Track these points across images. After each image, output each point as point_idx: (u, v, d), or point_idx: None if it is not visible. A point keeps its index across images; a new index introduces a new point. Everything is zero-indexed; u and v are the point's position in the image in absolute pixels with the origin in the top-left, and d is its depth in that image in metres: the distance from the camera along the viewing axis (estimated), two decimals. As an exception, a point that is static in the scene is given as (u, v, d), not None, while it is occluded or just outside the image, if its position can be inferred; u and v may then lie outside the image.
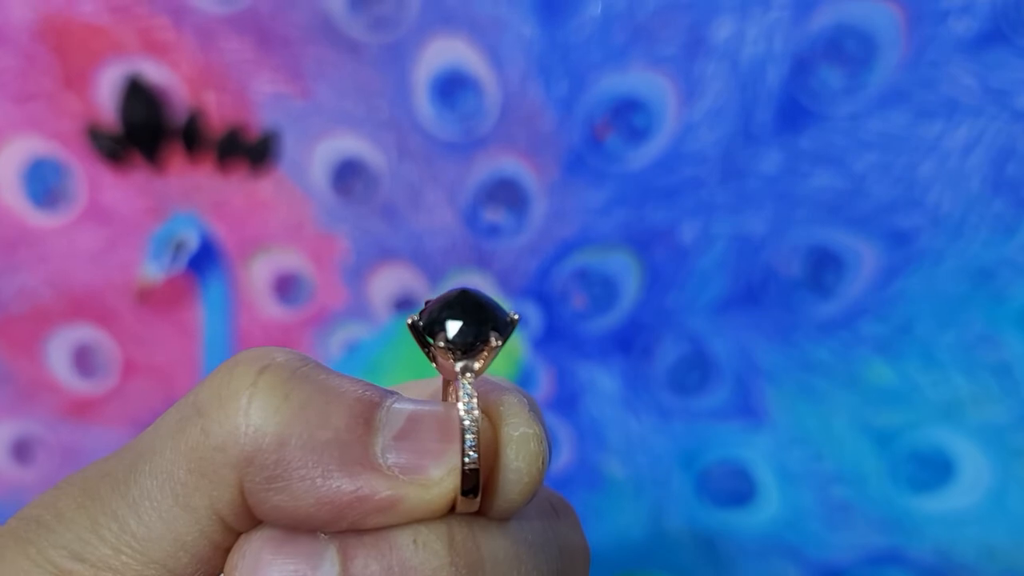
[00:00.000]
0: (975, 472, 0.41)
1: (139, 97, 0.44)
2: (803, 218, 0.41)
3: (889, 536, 0.43)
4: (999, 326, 0.40)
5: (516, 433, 0.17)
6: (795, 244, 0.41)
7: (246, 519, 0.17)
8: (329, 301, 0.46)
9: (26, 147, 0.45)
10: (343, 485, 0.16)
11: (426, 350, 0.18)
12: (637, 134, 0.41)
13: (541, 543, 0.19)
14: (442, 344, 0.17)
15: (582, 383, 0.45)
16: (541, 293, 0.44)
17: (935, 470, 0.42)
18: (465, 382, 0.17)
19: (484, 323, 0.17)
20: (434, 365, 0.18)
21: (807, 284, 0.42)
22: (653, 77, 0.40)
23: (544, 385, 0.45)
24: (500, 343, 0.17)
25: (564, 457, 0.46)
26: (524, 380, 0.45)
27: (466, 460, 0.17)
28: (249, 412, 0.16)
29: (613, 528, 0.46)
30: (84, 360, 0.48)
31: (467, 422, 0.17)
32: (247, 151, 0.44)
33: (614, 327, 0.44)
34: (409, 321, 0.17)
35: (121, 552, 0.17)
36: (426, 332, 0.17)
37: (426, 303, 0.18)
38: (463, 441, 0.17)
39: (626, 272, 0.43)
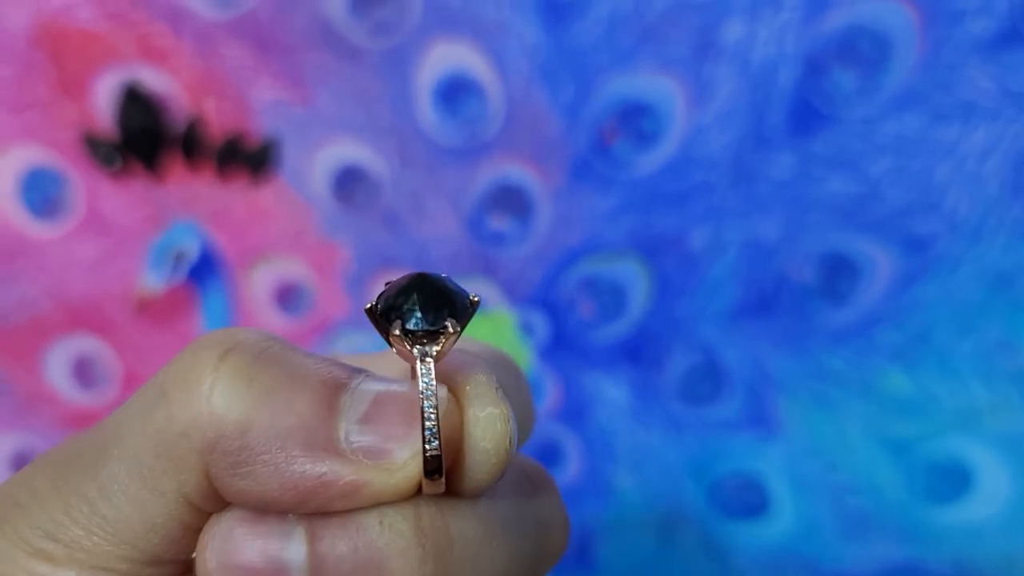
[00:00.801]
0: (994, 482, 0.41)
1: (137, 105, 0.43)
2: (816, 224, 0.40)
3: (906, 548, 0.42)
4: (1018, 333, 0.39)
5: (482, 414, 0.17)
6: (808, 250, 0.40)
7: (215, 501, 0.17)
8: (331, 310, 0.46)
9: (23, 156, 0.44)
10: (307, 470, 0.16)
11: (384, 336, 0.18)
12: (645, 139, 0.41)
13: (515, 519, 0.19)
14: (398, 332, 0.17)
15: (590, 393, 0.44)
16: (548, 302, 0.43)
17: (953, 480, 0.41)
18: (423, 367, 0.17)
19: (441, 308, 0.17)
20: (393, 351, 0.18)
21: (821, 291, 0.41)
22: (661, 80, 0.40)
23: (551, 395, 0.45)
24: (458, 330, 0.17)
25: (572, 468, 0.45)
26: (531, 390, 0.45)
27: (427, 447, 0.17)
28: (212, 398, 0.16)
29: (623, 541, 0.45)
30: (83, 371, 0.48)
31: (427, 409, 0.17)
32: (247, 159, 0.43)
33: (623, 336, 0.43)
34: (367, 307, 0.17)
35: (93, 533, 0.17)
36: (383, 318, 0.17)
37: (385, 285, 0.18)
38: (423, 428, 0.17)
39: (635, 280, 0.42)
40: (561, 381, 0.44)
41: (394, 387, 0.17)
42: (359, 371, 0.18)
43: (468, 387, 0.18)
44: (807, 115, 0.39)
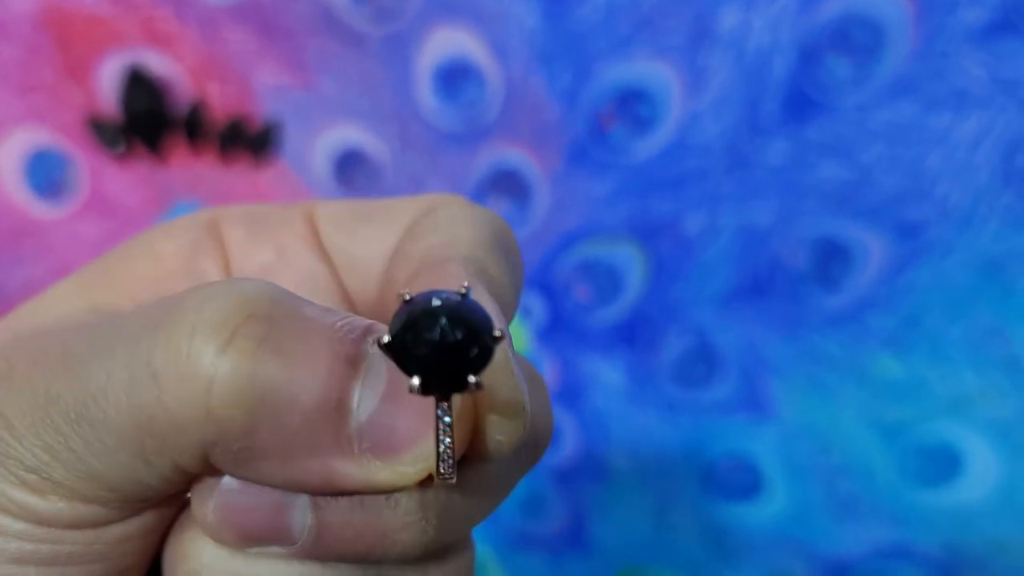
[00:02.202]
0: (983, 466, 0.41)
1: (141, 88, 0.44)
2: (810, 210, 0.40)
3: (897, 530, 0.43)
4: (1008, 319, 0.40)
5: (500, 415, 0.17)
6: (802, 236, 0.41)
7: (214, 468, 0.17)
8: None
9: (28, 138, 0.45)
10: (312, 467, 0.16)
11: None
12: (642, 124, 0.41)
13: (514, 460, 0.18)
14: (416, 385, 0.15)
15: (586, 375, 0.45)
16: (545, 285, 0.44)
17: (943, 464, 0.42)
18: (440, 408, 0.16)
19: (461, 359, 0.15)
20: None
21: (814, 276, 0.41)
22: (658, 67, 0.40)
23: (548, 377, 0.45)
24: (478, 387, 0.15)
25: (568, 449, 0.46)
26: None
27: (440, 467, 0.16)
28: (211, 400, 0.15)
29: (618, 522, 0.46)
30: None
31: (442, 448, 0.16)
32: (249, 142, 0.44)
33: (619, 319, 0.44)
34: (382, 342, 0.15)
35: (79, 477, 0.16)
36: (395, 361, 0.15)
37: (404, 301, 0.16)
38: (437, 457, 0.16)
39: (631, 264, 0.43)
40: (558, 363, 0.45)
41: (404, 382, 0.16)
42: (367, 348, 0.16)
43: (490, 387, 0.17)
44: (801, 103, 0.39)
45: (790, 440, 0.43)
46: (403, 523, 0.16)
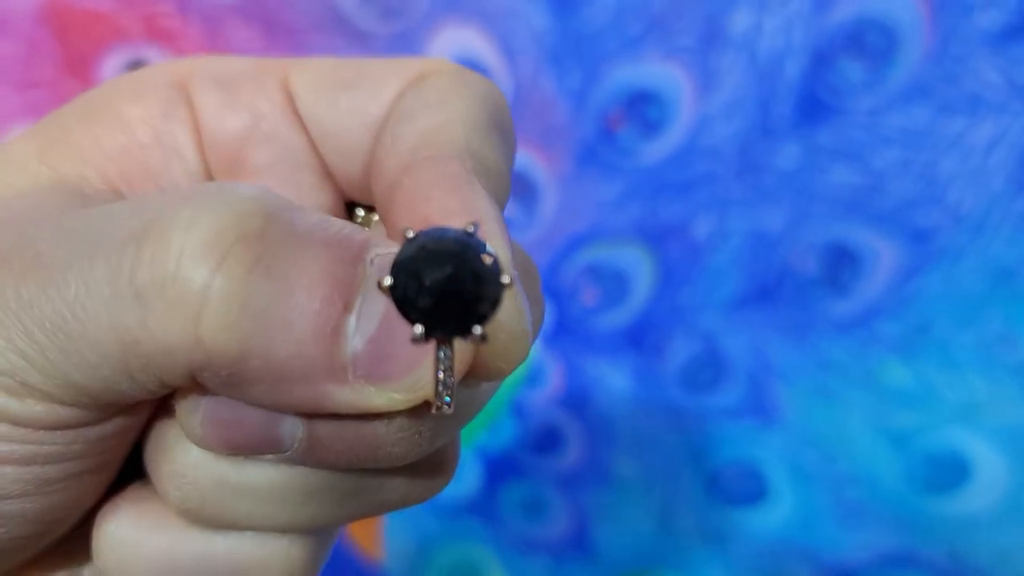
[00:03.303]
0: (991, 475, 0.41)
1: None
2: (820, 214, 0.40)
3: (903, 537, 0.42)
4: (1019, 326, 0.39)
5: (503, 339, 0.16)
6: (812, 241, 0.40)
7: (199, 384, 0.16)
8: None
9: (29, 135, 0.44)
10: (303, 392, 0.15)
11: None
12: (651, 127, 0.41)
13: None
14: (419, 333, 0.14)
15: (592, 379, 0.44)
16: (551, 288, 0.44)
17: (951, 472, 0.41)
18: (443, 351, 0.15)
19: (469, 308, 0.14)
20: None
21: (823, 282, 0.41)
22: (668, 69, 0.40)
23: (553, 381, 0.45)
24: (483, 339, 0.14)
25: (573, 454, 0.46)
26: (533, 376, 0.45)
27: (438, 404, 0.15)
28: (201, 327, 0.14)
29: (622, 526, 0.46)
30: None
31: (441, 380, 0.15)
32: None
33: (625, 323, 0.43)
34: (384, 284, 0.14)
35: (58, 386, 0.16)
36: (397, 307, 0.15)
37: (406, 239, 0.15)
38: (436, 388, 0.15)
39: (638, 267, 0.42)
40: (563, 367, 0.45)
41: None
42: (366, 269, 0.15)
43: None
44: (813, 106, 0.39)
45: (797, 446, 0.43)
46: (396, 438, 0.16)
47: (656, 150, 0.41)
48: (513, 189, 0.42)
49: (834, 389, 0.42)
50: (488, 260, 0.15)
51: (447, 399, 0.15)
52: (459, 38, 0.41)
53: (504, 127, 0.20)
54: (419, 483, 0.18)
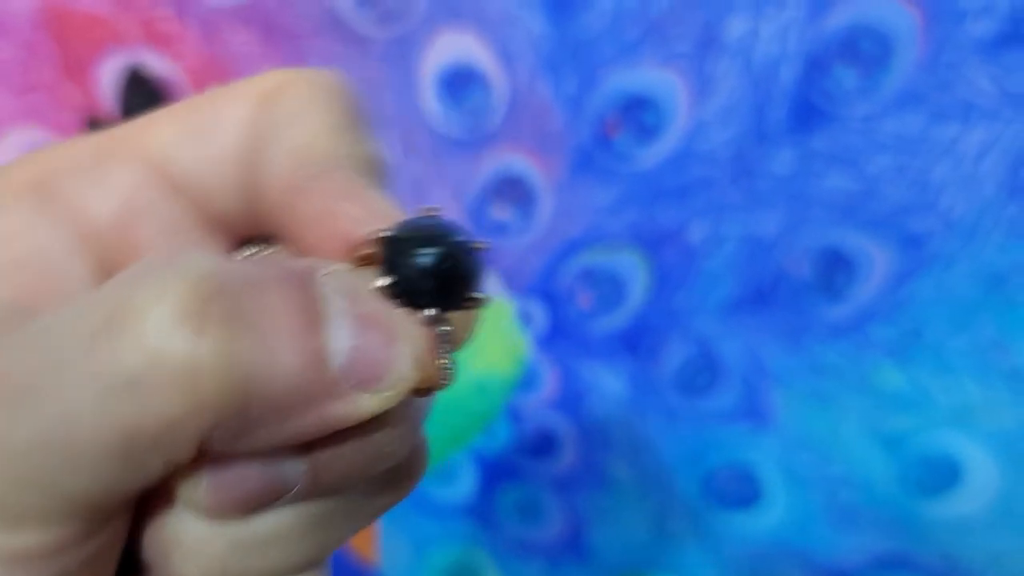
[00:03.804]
0: (984, 478, 0.41)
1: (141, 88, 0.43)
2: (815, 219, 0.40)
3: (896, 540, 0.43)
4: (1011, 331, 0.40)
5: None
6: (806, 246, 0.41)
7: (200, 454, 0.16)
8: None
9: (26, 138, 0.44)
10: (306, 419, 0.15)
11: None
12: (647, 132, 0.41)
13: None
14: (427, 316, 0.15)
15: (587, 383, 0.44)
16: (547, 292, 0.44)
17: (944, 475, 0.42)
18: (441, 328, 0.16)
19: (468, 282, 0.16)
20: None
21: (817, 287, 0.41)
22: (664, 74, 0.40)
23: (549, 384, 0.45)
24: (484, 302, 0.16)
25: (568, 457, 0.46)
26: (528, 379, 0.45)
27: (442, 378, 0.16)
28: (201, 390, 0.14)
29: (617, 529, 0.46)
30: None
31: (442, 358, 0.16)
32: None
33: (621, 327, 0.44)
34: (382, 284, 0.15)
35: (51, 502, 0.15)
36: (403, 301, 0.16)
37: (384, 240, 0.15)
38: (440, 371, 0.16)
39: (634, 272, 0.43)
40: (559, 370, 0.45)
41: (369, 307, 0.16)
42: (314, 272, 0.16)
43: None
44: (808, 112, 0.39)
45: (791, 450, 0.43)
46: (391, 437, 0.17)
47: (652, 155, 0.41)
48: (510, 195, 0.42)
49: (828, 393, 0.42)
50: (466, 236, 0.16)
51: (450, 370, 0.16)
52: (456, 43, 0.41)
53: (359, 112, 0.20)
54: (406, 477, 0.19)
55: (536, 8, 0.40)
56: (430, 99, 0.42)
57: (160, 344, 0.14)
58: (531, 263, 0.43)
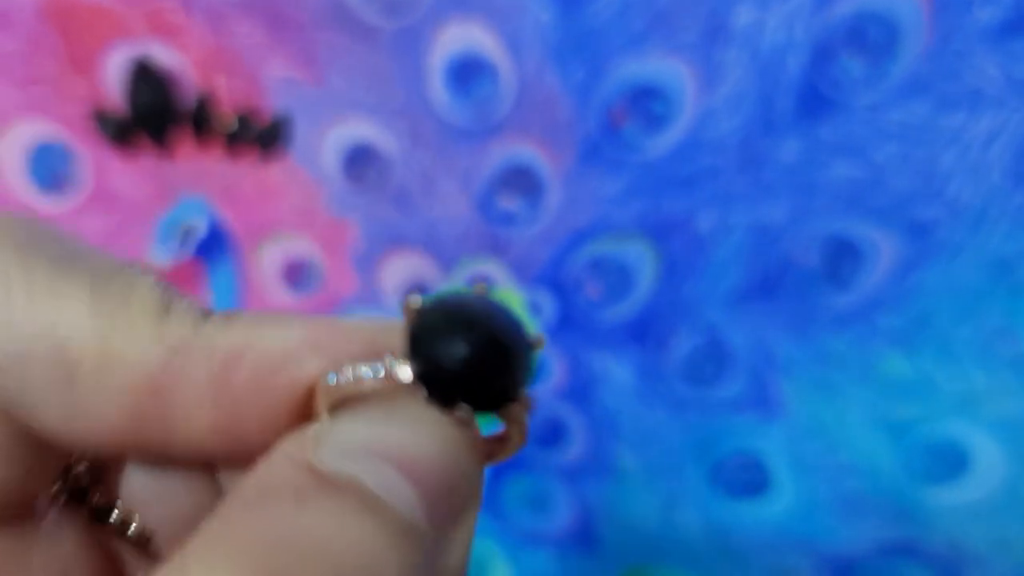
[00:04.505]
0: (990, 465, 0.41)
1: (147, 81, 0.43)
2: (822, 208, 0.40)
3: (903, 528, 0.43)
4: (1018, 319, 0.40)
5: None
6: (813, 235, 0.41)
7: None
8: (339, 288, 0.46)
9: (31, 131, 0.44)
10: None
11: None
12: (655, 121, 0.41)
13: None
14: (464, 414, 0.13)
15: (596, 373, 0.45)
16: (555, 282, 0.44)
17: (950, 463, 0.42)
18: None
19: (506, 384, 0.13)
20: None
21: (825, 275, 0.41)
22: (672, 64, 0.40)
23: (557, 374, 0.45)
24: (529, 400, 0.13)
25: (577, 447, 0.46)
26: (537, 371, 0.45)
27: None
28: None
29: (625, 519, 0.46)
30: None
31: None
32: (257, 136, 0.43)
33: (629, 317, 0.44)
34: (414, 375, 0.12)
35: None
36: (423, 380, 0.13)
37: (416, 313, 0.13)
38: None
39: (642, 262, 0.43)
40: (567, 360, 0.45)
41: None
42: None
43: None
44: (815, 101, 0.39)
45: (798, 438, 0.43)
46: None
47: (660, 145, 0.41)
48: (518, 185, 0.42)
49: (835, 382, 0.42)
50: (519, 325, 0.13)
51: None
52: (464, 33, 0.41)
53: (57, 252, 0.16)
54: None
55: (544, -2, 0.40)
56: (438, 89, 0.42)
57: None
58: (539, 253, 0.43)
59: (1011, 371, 0.40)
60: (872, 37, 0.38)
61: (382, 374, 0.13)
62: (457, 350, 0.12)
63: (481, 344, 0.13)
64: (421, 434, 0.13)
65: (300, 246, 0.45)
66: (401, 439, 0.13)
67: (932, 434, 0.42)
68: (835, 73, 0.39)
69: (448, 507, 0.13)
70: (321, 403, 0.13)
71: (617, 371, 0.44)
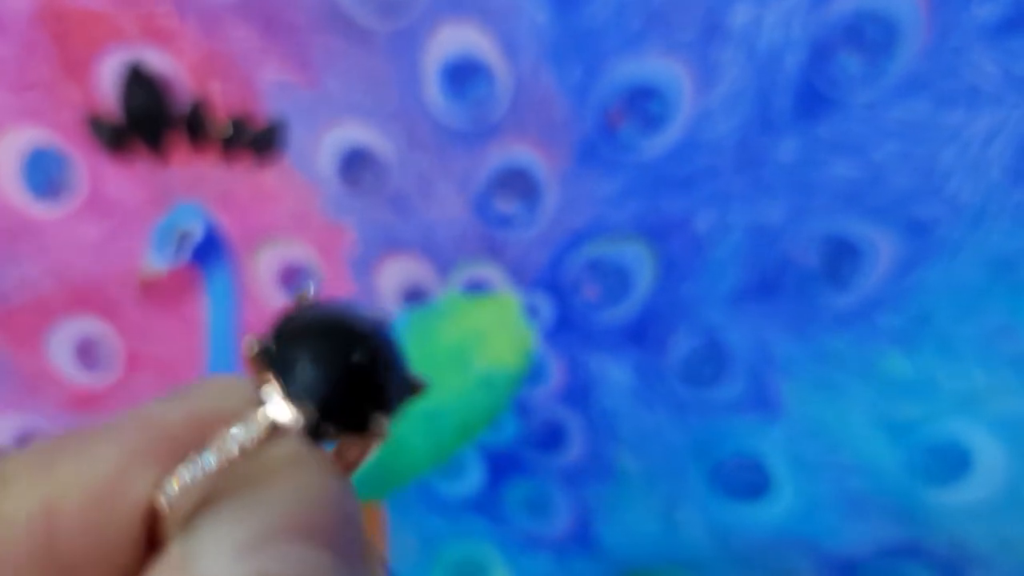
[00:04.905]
0: (991, 464, 0.41)
1: (141, 85, 0.43)
2: (820, 208, 0.40)
3: (904, 528, 0.43)
4: (1018, 317, 0.40)
5: None
6: (812, 234, 0.41)
7: None
8: (336, 293, 0.46)
9: (25, 137, 0.44)
10: None
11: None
12: (652, 122, 0.41)
13: None
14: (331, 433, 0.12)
15: (594, 375, 0.44)
16: (553, 284, 0.44)
17: (951, 462, 0.42)
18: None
19: (362, 406, 0.12)
20: None
21: (824, 275, 0.41)
22: (669, 63, 0.40)
23: (555, 376, 0.45)
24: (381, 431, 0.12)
25: (576, 449, 0.46)
26: (535, 373, 0.45)
27: None
28: None
29: (626, 521, 0.46)
30: (87, 352, 0.48)
31: None
32: (252, 140, 0.43)
33: (627, 318, 0.43)
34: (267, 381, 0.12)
35: None
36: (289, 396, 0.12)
37: (278, 331, 0.12)
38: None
39: (640, 263, 0.43)
40: (565, 362, 0.45)
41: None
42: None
43: None
44: (812, 99, 0.39)
45: (798, 439, 0.43)
46: None
47: (657, 145, 0.41)
48: (514, 186, 0.42)
49: (835, 381, 0.42)
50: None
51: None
52: (459, 35, 0.41)
53: None
54: None
55: (539, -2, 0.40)
56: (433, 91, 0.42)
57: None
58: (536, 255, 0.43)
59: (1012, 369, 0.40)
60: (870, 35, 0.38)
61: (255, 430, 0.12)
62: (322, 377, 0.12)
63: (338, 367, 0.12)
64: (303, 491, 0.12)
65: (296, 250, 0.45)
66: (286, 508, 0.12)
67: (933, 434, 0.41)
68: (833, 71, 0.39)
69: (354, 539, 0.13)
70: (170, 522, 0.12)
71: (616, 373, 0.44)
